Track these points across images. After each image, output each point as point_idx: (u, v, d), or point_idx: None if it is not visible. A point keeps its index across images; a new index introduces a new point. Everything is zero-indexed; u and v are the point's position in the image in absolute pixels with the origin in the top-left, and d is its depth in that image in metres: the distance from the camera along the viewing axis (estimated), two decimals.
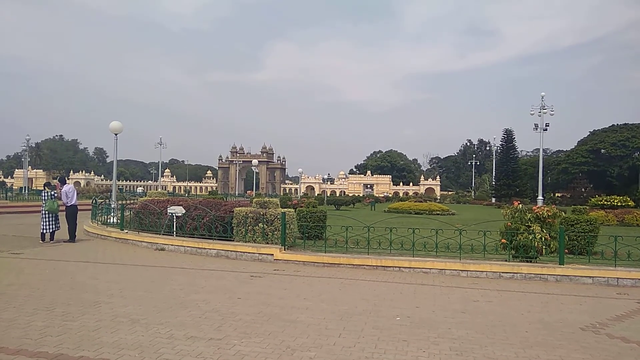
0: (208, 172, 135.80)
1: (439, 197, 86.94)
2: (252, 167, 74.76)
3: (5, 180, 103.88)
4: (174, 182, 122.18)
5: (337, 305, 6.93)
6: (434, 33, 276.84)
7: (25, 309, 6.19)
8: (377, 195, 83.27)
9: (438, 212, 33.21)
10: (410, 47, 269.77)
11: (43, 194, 13.80)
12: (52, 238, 13.62)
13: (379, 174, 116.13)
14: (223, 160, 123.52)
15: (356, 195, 71.04)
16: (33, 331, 5.26)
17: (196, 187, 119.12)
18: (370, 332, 5.58)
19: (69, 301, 6.72)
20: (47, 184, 14.46)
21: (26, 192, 50.20)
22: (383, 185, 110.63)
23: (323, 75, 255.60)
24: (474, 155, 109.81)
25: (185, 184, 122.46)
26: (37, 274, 9.04)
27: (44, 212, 13.45)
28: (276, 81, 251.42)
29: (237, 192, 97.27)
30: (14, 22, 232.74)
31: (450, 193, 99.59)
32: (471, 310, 6.84)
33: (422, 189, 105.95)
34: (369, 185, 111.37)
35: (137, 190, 78.76)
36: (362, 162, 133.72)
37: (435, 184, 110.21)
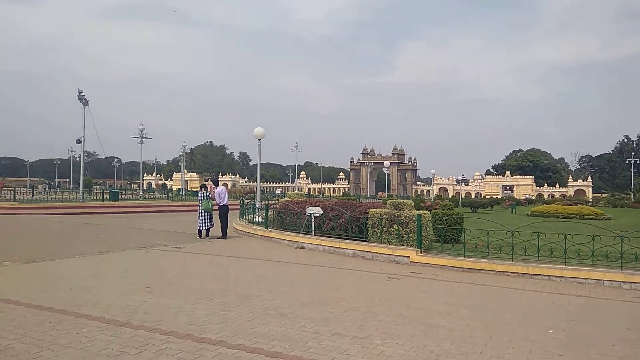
0: (340, 173, 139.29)
1: (590, 200, 78.32)
2: (383, 169, 74.81)
3: (166, 182, 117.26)
4: (308, 183, 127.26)
5: (480, 312, 6.64)
6: (578, 21, 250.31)
7: (189, 299, 6.95)
8: (517, 197, 77.89)
9: (591, 217, 29.91)
10: (551, 38, 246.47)
11: (199, 195, 15.35)
12: (207, 234, 15.10)
13: (520, 175, 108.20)
14: (354, 162, 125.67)
15: (494, 197, 67.16)
16: (197, 319, 5.87)
17: (329, 189, 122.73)
18: (520, 343, 5.25)
19: (225, 293, 7.39)
20: (202, 186, 16.08)
21: (183, 192, 56.28)
22: (524, 186, 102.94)
23: (456, 72, 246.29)
24: (632, 153, 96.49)
25: (319, 185, 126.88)
26: (196, 266, 10.11)
27: (200, 210, 14.99)
28: (408, 82, 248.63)
29: (368, 194, 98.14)
30: (172, 43, 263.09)
31: (604, 195, 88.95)
32: (638, 327, 6.07)
33: (570, 191, 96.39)
34: (508, 187, 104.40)
35: (276, 192, 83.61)
36: (500, 162, 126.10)
37: (586, 185, 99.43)
